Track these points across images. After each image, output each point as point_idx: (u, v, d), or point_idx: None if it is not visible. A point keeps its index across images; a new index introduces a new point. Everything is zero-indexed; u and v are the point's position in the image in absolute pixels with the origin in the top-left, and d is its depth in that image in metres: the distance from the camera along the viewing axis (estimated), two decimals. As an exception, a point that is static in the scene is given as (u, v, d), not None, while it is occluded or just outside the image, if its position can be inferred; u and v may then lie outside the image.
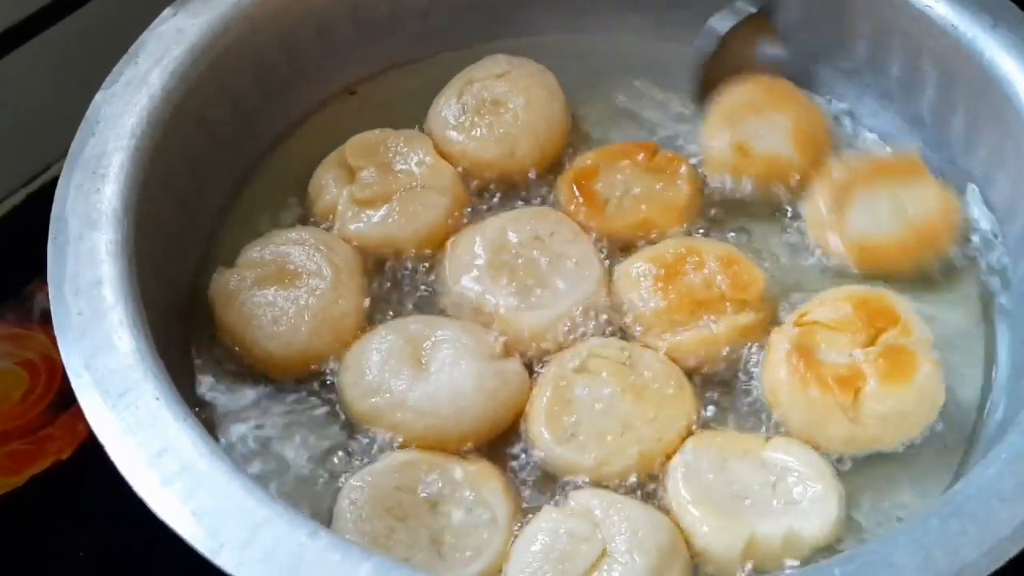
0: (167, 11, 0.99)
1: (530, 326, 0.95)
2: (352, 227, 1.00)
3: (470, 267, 0.98)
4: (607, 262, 1.00)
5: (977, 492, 0.75)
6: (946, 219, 1.00)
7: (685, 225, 1.02)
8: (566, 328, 0.95)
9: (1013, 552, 0.73)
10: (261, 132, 1.08)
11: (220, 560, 0.71)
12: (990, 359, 0.97)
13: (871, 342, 0.91)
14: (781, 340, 0.92)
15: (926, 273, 1.00)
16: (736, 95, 1.07)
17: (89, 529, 0.98)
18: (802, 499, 0.85)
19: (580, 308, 0.96)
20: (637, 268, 0.97)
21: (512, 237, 0.99)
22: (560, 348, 0.95)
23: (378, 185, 1.02)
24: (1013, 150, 0.97)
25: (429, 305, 0.99)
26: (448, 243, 1.00)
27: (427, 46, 1.15)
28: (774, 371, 0.91)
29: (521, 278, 0.97)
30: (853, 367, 0.90)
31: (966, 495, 0.75)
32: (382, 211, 1.00)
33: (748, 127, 1.05)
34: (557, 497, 0.88)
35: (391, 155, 1.04)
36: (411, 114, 1.10)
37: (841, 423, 0.88)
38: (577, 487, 0.88)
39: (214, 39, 0.99)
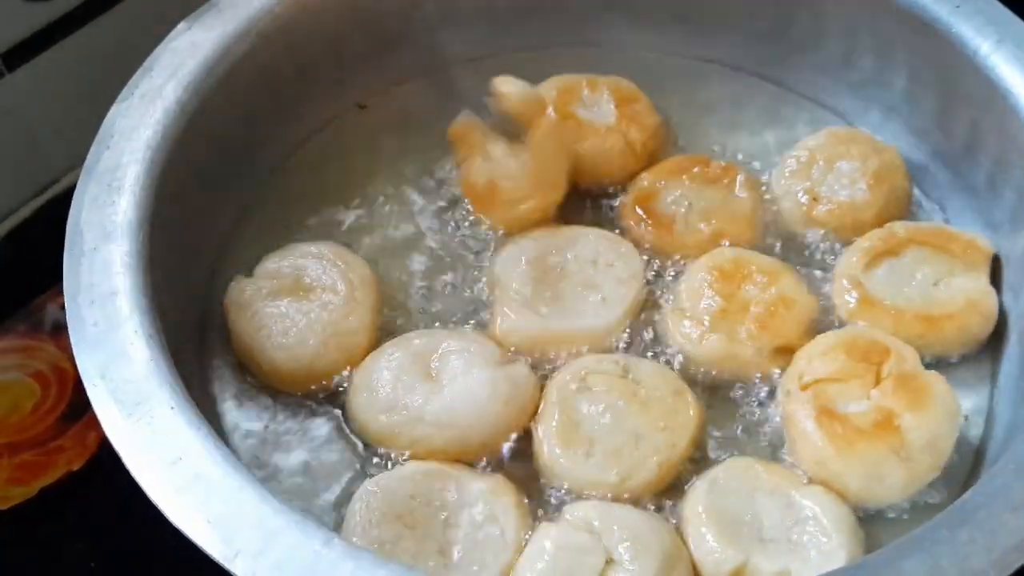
0: (181, 25, 0.99)
1: (504, 329, 0.96)
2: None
3: (516, 256, 0.99)
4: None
5: (986, 501, 0.75)
6: (967, 322, 0.96)
7: (756, 237, 1.03)
8: (544, 346, 0.96)
9: (1021, 562, 0.73)
10: (273, 145, 1.08)
11: (235, 568, 0.72)
12: (995, 370, 0.98)
13: (878, 379, 0.91)
14: (800, 410, 0.90)
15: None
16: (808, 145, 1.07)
17: (99, 540, 0.98)
18: (811, 548, 0.84)
19: (568, 338, 0.96)
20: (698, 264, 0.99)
21: (569, 252, 1.00)
22: (531, 357, 0.96)
23: None
24: (1018, 162, 0.98)
25: (443, 319, 1.00)
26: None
27: (437, 60, 1.16)
28: (812, 442, 0.88)
29: (542, 286, 0.98)
30: (880, 408, 0.88)
31: (975, 504, 0.75)
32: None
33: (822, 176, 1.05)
34: (541, 510, 0.89)
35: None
36: (422, 128, 1.10)
37: (898, 466, 0.87)
38: (566, 501, 0.88)
39: (227, 53, 0.99)
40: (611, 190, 1.08)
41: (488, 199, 1.02)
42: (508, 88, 1.01)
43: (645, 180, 1.06)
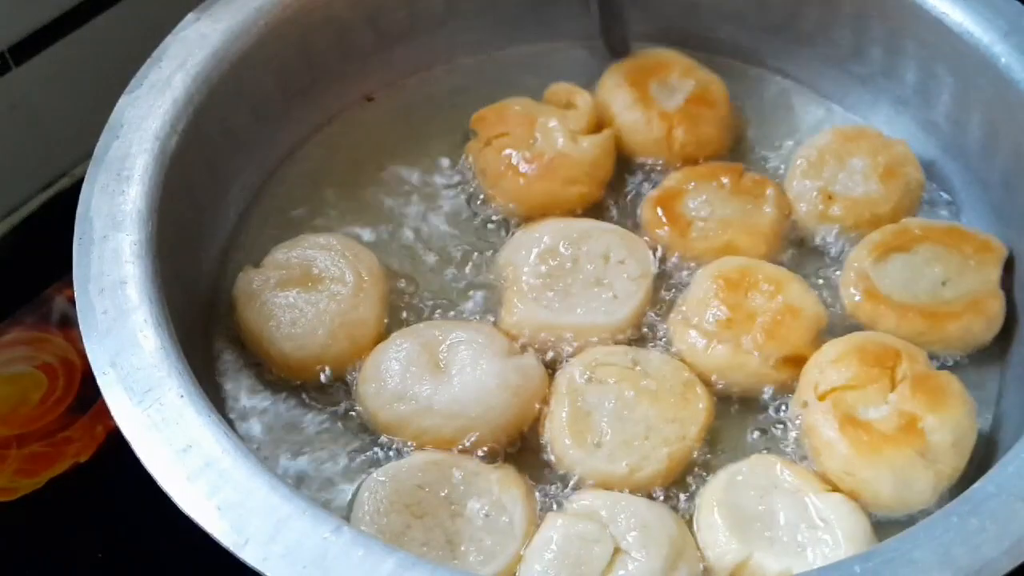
0: (190, 16, 1.00)
1: (513, 320, 0.96)
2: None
3: (528, 247, 0.99)
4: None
5: (997, 491, 0.75)
6: (969, 324, 0.95)
7: (770, 253, 1.02)
8: (551, 340, 0.96)
9: (1033, 550, 0.73)
10: (281, 137, 1.09)
11: (245, 555, 0.72)
12: (1005, 362, 0.98)
13: (893, 383, 0.90)
14: (822, 420, 0.89)
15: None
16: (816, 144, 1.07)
17: (107, 531, 0.98)
18: (816, 554, 0.84)
19: (577, 333, 0.96)
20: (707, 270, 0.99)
21: (581, 246, 0.99)
22: (539, 350, 0.96)
23: None
24: (1032, 155, 0.98)
25: (452, 310, 1.00)
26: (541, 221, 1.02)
27: (445, 53, 1.16)
28: (838, 452, 0.87)
29: (553, 279, 0.97)
30: (901, 412, 0.88)
31: (986, 493, 0.75)
32: None
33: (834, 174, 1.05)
34: (549, 501, 0.89)
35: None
36: (429, 120, 1.10)
37: (925, 470, 0.86)
38: (574, 492, 0.88)
39: (236, 44, 0.99)
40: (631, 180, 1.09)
41: (547, 172, 1.03)
42: (580, 99, 1.07)
43: (674, 179, 1.05)
